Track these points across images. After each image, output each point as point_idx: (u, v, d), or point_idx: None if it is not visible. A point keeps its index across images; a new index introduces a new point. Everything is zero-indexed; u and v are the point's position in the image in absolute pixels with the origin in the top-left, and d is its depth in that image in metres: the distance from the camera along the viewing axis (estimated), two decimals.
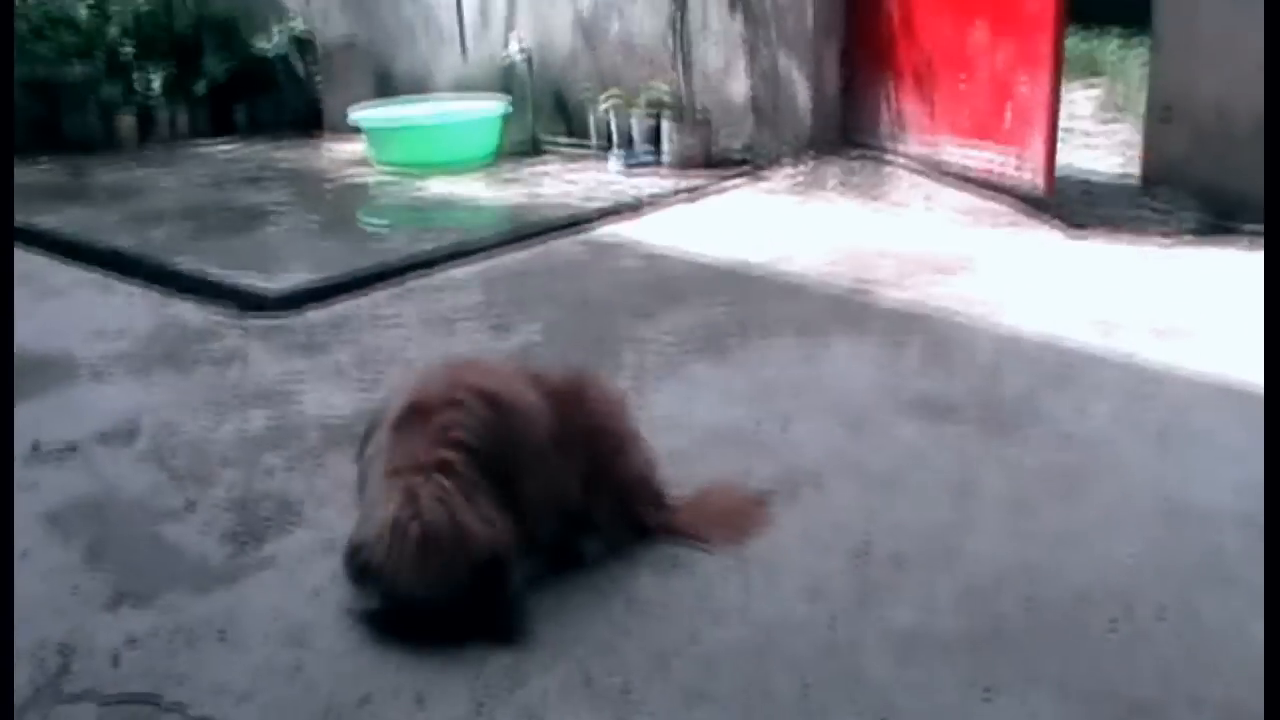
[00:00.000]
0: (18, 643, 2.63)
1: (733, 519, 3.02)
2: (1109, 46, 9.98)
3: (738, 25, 7.16)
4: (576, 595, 2.74)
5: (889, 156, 6.81)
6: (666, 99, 7.40)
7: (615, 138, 7.57)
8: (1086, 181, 6.50)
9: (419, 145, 7.81)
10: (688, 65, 7.40)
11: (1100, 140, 7.63)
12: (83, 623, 2.73)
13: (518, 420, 2.71)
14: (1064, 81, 6.03)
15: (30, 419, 3.93)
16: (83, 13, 9.46)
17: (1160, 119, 5.90)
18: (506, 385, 2.78)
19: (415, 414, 2.66)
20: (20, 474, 3.54)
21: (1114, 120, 8.21)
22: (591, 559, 2.85)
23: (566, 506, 2.78)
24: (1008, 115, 6.03)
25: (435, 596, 2.51)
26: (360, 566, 2.57)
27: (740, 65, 7.21)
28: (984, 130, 6.19)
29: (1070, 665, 2.44)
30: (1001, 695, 2.35)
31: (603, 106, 7.65)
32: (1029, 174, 5.91)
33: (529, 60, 8.14)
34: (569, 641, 2.58)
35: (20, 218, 6.72)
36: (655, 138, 7.39)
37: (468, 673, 2.48)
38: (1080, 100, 8.77)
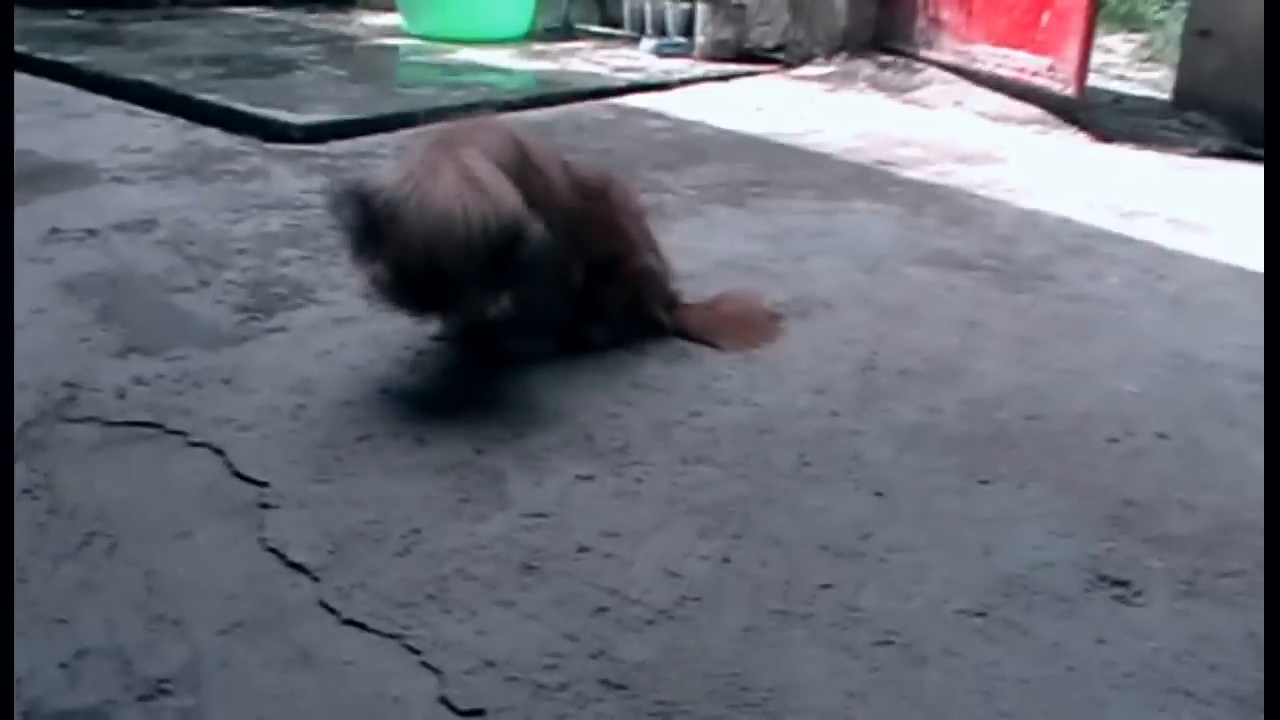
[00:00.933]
0: (23, 378, 2.66)
1: (743, 325, 3.04)
2: (1152, 4, 9.88)
3: None
4: (582, 372, 2.77)
5: (922, 60, 6.75)
6: None
7: (648, 25, 7.51)
8: (1118, 96, 6.46)
9: (452, 16, 7.75)
10: None
11: (1135, 78, 7.56)
12: (91, 367, 2.75)
13: (540, 173, 2.67)
14: (1104, 33, 5.96)
15: (49, 211, 3.94)
16: None
17: (1199, 35, 5.85)
18: (534, 141, 2.76)
19: (441, 144, 2.53)
20: (36, 251, 3.55)
21: (1150, 67, 8.14)
22: (599, 344, 2.87)
23: (573, 289, 2.78)
24: (1044, 20, 5.97)
25: (456, 256, 2.37)
26: (378, 209, 2.39)
27: None
28: (1019, 36, 6.13)
29: (1068, 467, 2.46)
30: (998, 484, 2.37)
31: None
32: (1061, 80, 5.86)
33: None
34: (571, 408, 2.60)
35: (48, 55, 6.72)
36: (689, 27, 7.33)
37: (469, 423, 2.51)
38: (1119, 48, 8.70)
